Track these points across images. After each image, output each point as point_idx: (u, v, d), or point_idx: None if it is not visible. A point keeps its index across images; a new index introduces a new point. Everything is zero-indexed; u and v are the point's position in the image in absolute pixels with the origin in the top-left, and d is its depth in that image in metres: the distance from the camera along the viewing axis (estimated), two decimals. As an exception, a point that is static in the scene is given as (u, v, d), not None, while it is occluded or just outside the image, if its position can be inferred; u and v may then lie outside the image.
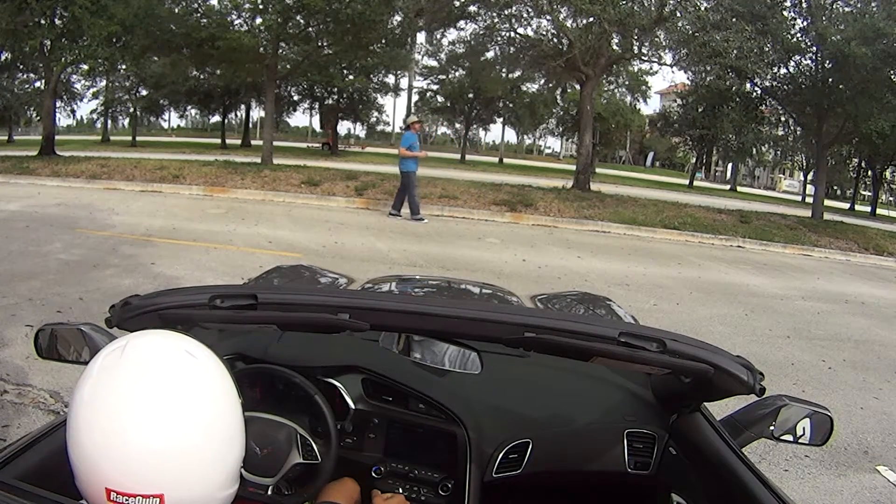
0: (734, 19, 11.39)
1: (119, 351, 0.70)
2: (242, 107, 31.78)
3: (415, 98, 30.58)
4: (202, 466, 0.70)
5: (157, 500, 0.66)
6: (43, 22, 11.60)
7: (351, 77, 24.08)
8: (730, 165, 36.26)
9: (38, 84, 24.94)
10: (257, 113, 34.01)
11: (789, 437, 1.20)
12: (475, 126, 35.25)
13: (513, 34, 14.11)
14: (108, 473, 0.66)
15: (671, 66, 13.50)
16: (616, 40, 13.02)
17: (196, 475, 0.69)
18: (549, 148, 52.63)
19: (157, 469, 0.66)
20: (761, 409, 1.21)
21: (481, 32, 14.42)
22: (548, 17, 12.87)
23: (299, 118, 61.77)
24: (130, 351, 0.70)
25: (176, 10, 12.54)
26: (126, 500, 0.65)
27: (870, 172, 27.62)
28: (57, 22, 11.95)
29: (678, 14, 11.80)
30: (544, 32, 13.48)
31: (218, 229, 7.45)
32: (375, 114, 28.56)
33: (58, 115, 22.31)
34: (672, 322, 4.93)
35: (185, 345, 0.74)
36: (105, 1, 11.23)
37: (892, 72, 10.96)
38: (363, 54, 14.83)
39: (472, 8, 13.64)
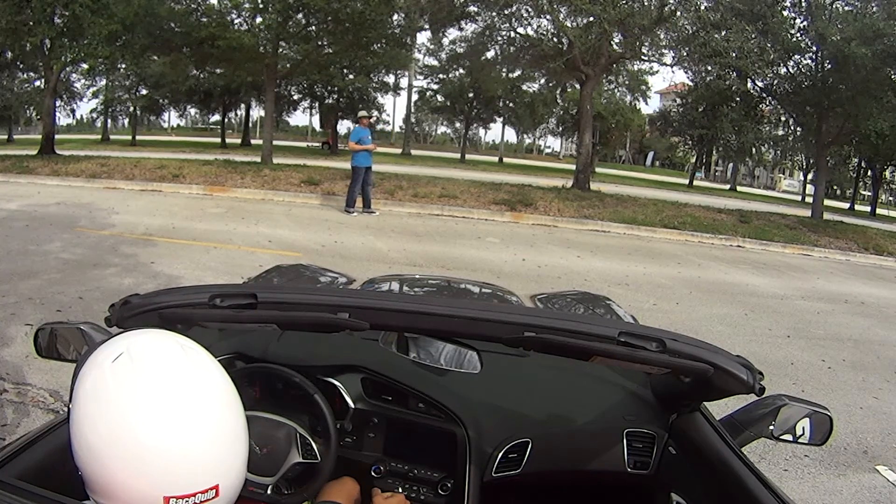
0: (734, 19, 11.39)
1: (127, 357, 0.67)
2: (242, 106, 31.85)
3: (415, 97, 30.62)
4: (238, 445, 0.71)
5: (214, 490, 0.66)
6: (43, 20, 11.58)
7: (351, 76, 24.07)
8: (730, 165, 36.26)
9: (37, 83, 24.95)
10: (257, 112, 34.09)
11: (789, 437, 1.20)
12: (475, 125, 35.31)
13: (513, 34, 14.10)
14: (163, 482, 0.64)
15: (671, 65, 13.52)
16: (616, 40, 13.02)
17: (236, 455, 0.71)
18: (549, 147, 52.79)
19: (211, 461, 0.67)
20: (761, 408, 1.21)
21: (481, 32, 14.42)
22: (548, 17, 12.87)
23: (299, 117, 61.83)
24: (138, 354, 0.68)
25: (176, 9, 12.53)
26: (186, 500, 0.65)
27: (869, 172, 27.65)
28: (57, 20, 11.94)
29: (678, 14, 11.81)
30: (544, 32, 13.47)
31: (218, 228, 7.44)
32: (375, 113, 28.57)
33: (58, 114, 22.38)
34: (672, 322, 4.93)
35: (178, 338, 0.74)
36: (105, -1, 11.24)
37: (892, 72, 10.96)
38: (363, 54, 14.79)
39: (472, 8, 13.64)
